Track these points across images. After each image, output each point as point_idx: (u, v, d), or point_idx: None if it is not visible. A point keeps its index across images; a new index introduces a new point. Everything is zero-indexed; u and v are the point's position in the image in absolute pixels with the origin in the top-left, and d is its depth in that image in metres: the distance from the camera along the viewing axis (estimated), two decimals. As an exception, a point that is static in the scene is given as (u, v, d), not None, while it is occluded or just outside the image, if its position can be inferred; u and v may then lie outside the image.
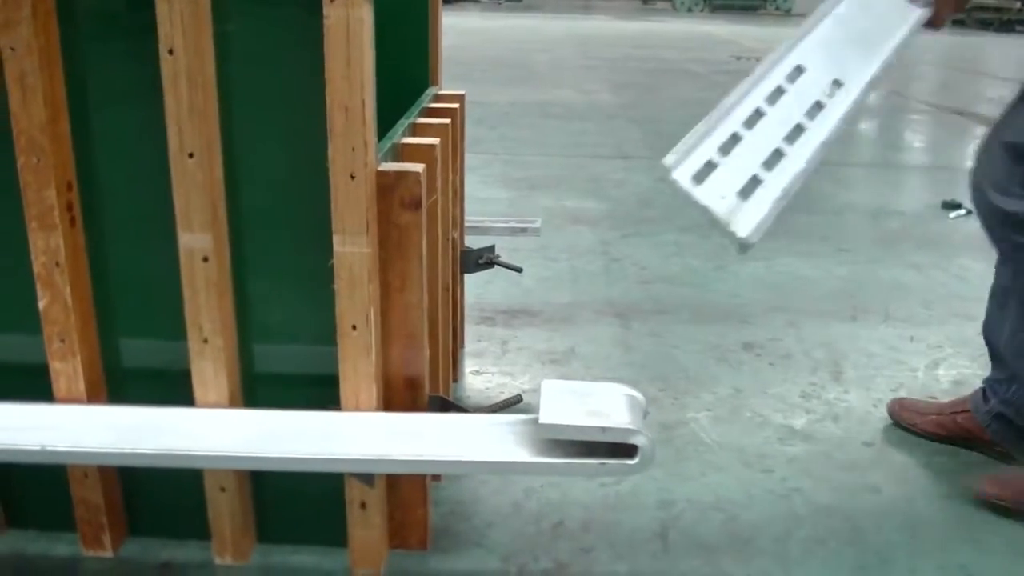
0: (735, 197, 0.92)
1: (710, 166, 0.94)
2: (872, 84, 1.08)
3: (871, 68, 1.11)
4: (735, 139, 0.97)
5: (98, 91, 1.15)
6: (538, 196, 3.54)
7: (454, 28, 12.45)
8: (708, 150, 0.95)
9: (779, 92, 1.04)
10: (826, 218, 3.34)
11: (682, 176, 0.93)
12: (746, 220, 0.92)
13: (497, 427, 1.15)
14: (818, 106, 1.04)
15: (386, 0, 1.70)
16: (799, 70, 1.07)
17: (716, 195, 0.92)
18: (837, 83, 1.07)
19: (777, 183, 0.95)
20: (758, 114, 1.00)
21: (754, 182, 0.95)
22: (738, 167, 0.94)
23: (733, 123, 0.98)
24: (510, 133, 4.90)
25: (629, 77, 7.72)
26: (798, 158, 0.98)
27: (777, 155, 0.98)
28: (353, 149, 1.09)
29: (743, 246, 0.92)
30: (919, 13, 1.26)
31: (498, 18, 16.65)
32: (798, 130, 1.01)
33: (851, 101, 1.05)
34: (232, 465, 1.21)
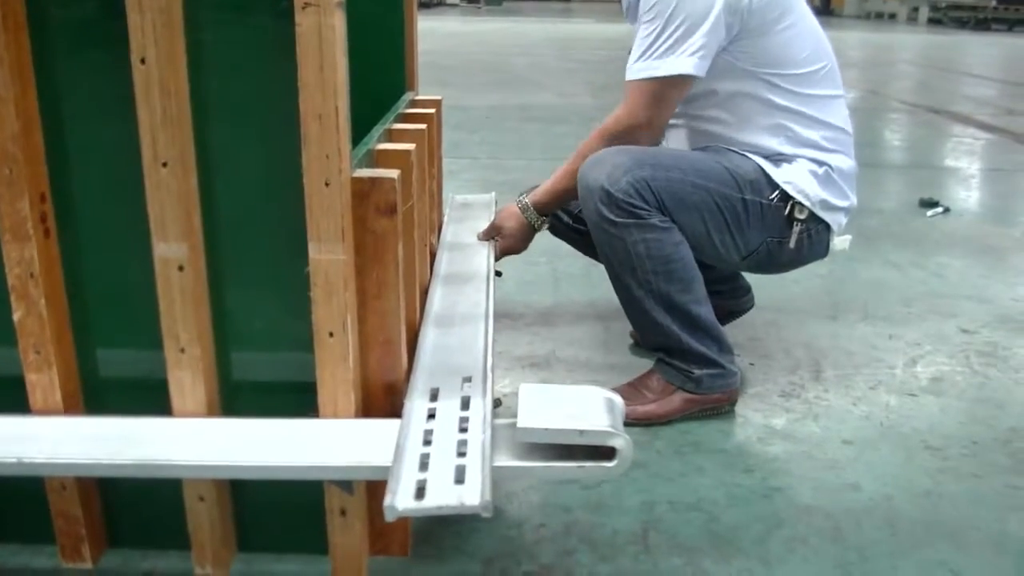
0: (453, 486, 1.04)
1: (420, 483, 1.05)
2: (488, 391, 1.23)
3: (484, 372, 1.29)
4: (425, 458, 1.09)
5: (71, 102, 1.15)
6: (519, 199, 3.54)
7: (433, 32, 12.47)
8: (410, 473, 1.06)
9: (431, 415, 1.19)
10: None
11: (405, 502, 1.02)
12: (472, 493, 1.03)
13: (476, 432, 1.15)
14: (467, 404, 1.21)
15: (361, 5, 1.70)
16: (435, 396, 1.23)
17: (442, 498, 1.03)
18: (466, 378, 1.26)
19: (476, 456, 1.09)
20: (428, 433, 1.14)
21: (460, 469, 1.07)
22: (440, 471, 1.07)
23: (413, 449, 1.11)
24: (490, 137, 4.91)
25: (608, 79, 7.75)
26: (477, 431, 1.14)
27: (463, 443, 1.12)
28: (327, 156, 1.09)
29: (484, 510, 1.02)
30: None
31: (478, 22, 16.66)
32: (463, 420, 1.17)
33: (489, 375, 1.25)
34: (210, 474, 1.21)
